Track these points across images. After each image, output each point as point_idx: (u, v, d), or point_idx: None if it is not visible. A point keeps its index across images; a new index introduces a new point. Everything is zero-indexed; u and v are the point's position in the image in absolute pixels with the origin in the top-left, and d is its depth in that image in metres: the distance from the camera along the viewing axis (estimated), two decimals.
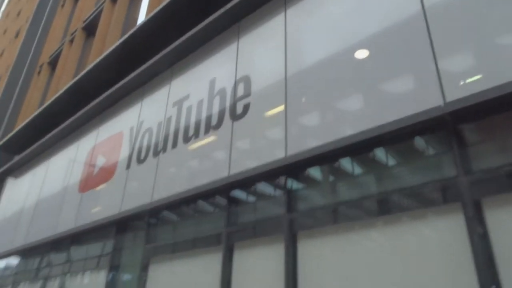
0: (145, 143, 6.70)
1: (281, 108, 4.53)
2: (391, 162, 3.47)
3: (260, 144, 4.55)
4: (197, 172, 5.26)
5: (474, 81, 2.99)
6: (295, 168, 4.16)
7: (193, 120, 5.86)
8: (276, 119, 4.50)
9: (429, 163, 3.21)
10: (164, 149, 6.15)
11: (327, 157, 3.83)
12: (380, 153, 3.57)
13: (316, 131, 3.99)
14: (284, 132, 4.31)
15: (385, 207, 3.34)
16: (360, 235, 3.45)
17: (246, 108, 5.02)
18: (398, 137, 3.42)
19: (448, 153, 3.09)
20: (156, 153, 6.30)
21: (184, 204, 5.49)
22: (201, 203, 5.29)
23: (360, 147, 3.63)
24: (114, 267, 6.29)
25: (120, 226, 6.59)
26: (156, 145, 6.38)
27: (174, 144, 5.99)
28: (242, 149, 4.74)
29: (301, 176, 4.16)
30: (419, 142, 3.33)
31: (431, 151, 3.24)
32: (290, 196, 4.10)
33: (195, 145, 5.57)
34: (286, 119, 4.37)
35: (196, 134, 5.65)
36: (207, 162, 5.18)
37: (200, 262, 4.89)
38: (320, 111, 4.06)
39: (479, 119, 3.01)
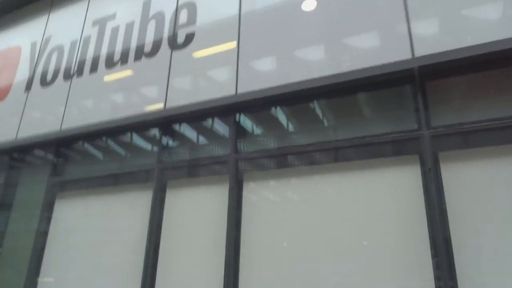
0: (52, 64, 5.64)
1: (232, 45, 4.14)
2: (354, 110, 3.45)
3: (205, 78, 4.14)
4: (124, 102, 4.62)
5: (442, 41, 3.07)
6: (245, 107, 3.89)
7: (120, 44, 5.07)
8: (225, 56, 4.11)
9: (392, 115, 3.26)
10: (80, 73, 5.25)
11: (281, 99, 3.66)
12: (344, 100, 3.51)
13: (269, 74, 3.75)
14: (233, 71, 3.97)
15: (342, 154, 3.34)
16: (311, 181, 3.41)
17: (189, 38, 4.49)
18: (362, 86, 3.39)
19: (412, 107, 3.17)
20: (67, 77, 5.36)
21: (107, 135, 4.83)
22: (128, 137, 4.71)
23: (323, 93, 3.53)
24: (6, 206, 5.35)
25: (16, 156, 5.58)
26: (69, 67, 5.42)
27: (94, 69, 5.15)
28: (182, 82, 4.27)
29: (249, 115, 3.92)
30: (385, 93, 3.34)
31: (395, 104, 3.29)
32: (236, 136, 3.86)
33: (123, 73, 4.86)
34: (238, 56, 4.02)
35: (124, 60, 4.92)
36: (137, 91, 4.57)
37: (124, 200, 4.42)
38: (275, 55, 3.81)
39: (444, 77, 3.11)
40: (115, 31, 5.22)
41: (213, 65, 4.17)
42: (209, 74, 4.16)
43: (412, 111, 3.17)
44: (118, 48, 5.05)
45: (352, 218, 3.14)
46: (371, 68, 3.22)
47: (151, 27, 4.88)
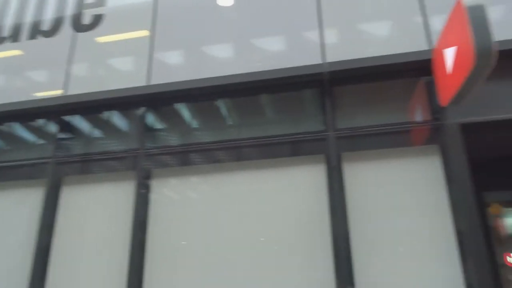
0: None
1: (145, 33, 3.91)
2: (264, 110, 3.49)
3: (111, 66, 3.83)
4: (10, 86, 4.05)
5: (350, 50, 3.28)
6: (154, 100, 3.69)
7: (9, 17, 4.45)
8: (136, 44, 3.86)
9: (300, 116, 3.37)
10: None
11: (190, 94, 3.56)
12: (254, 100, 3.53)
13: (181, 67, 3.63)
14: (143, 61, 3.75)
15: (250, 153, 3.35)
16: (218, 179, 3.37)
17: (97, 20, 4.12)
18: (272, 87, 3.45)
19: (319, 110, 3.32)
20: None
21: None
22: (17, 128, 4.13)
23: (233, 91, 3.51)
24: None
25: None
26: None
27: None
28: (84, 68, 3.89)
29: (156, 110, 3.73)
30: (293, 95, 3.44)
31: (303, 106, 3.41)
32: (143, 131, 3.64)
33: (11, 51, 4.27)
34: (151, 46, 3.80)
35: (14, 38, 4.32)
36: (29, 74, 4.04)
37: (13, 197, 3.86)
38: (189, 48, 3.70)
39: (350, 83, 3.32)
40: (4, 3, 4.57)
41: (122, 53, 3.88)
42: (116, 62, 3.86)
43: (319, 113, 3.32)
44: (9, 22, 4.42)
45: (258, 216, 3.16)
46: (283, 69, 3.30)
47: (52, 1, 4.38)
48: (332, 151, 3.11)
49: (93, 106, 3.81)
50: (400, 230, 2.94)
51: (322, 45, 3.36)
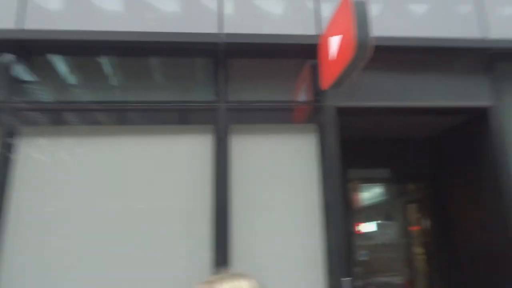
0: None
1: None
2: (155, 73, 3.33)
3: None
4: None
5: (248, 24, 3.32)
6: (26, 47, 3.20)
7: None
8: None
9: (192, 84, 3.31)
10: None
11: (71, 46, 3.20)
12: (144, 62, 3.33)
13: (62, 14, 3.22)
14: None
15: (133, 117, 3.20)
16: (97, 142, 3.14)
17: None
18: (165, 50, 3.31)
19: (213, 80, 3.31)
20: None
21: None
22: None
23: (122, 49, 3.26)
24: None
25: None
26: None
27: None
28: None
29: (32, 60, 3.25)
30: (187, 62, 3.35)
31: (197, 74, 3.35)
32: (9, 81, 3.15)
33: None
34: None
35: None
36: None
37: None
38: None
39: (245, 57, 3.37)
40: None
41: None
42: None
43: (211, 83, 3.31)
44: None
45: (140, 183, 3.07)
46: (179, 34, 3.18)
47: None
48: (221, 122, 3.16)
49: None
50: (274, 201, 3.17)
51: (220, 15, 3.33)
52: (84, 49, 3.23)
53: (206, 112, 3.23)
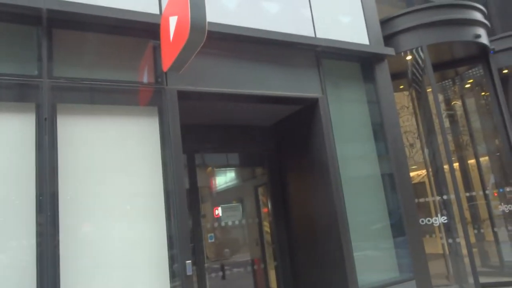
0: None
1: None
2: None
3: None
4: None
5: None
6: None
7: None
8: None
9: (12, 55, 2.83)
10: None
11: None
12: None
13: None
14: None
15: None
16: None
17: None
18: None
19: (35, 52, 2.89)
20: None
21: None
22: None
23: None
24: None
25: None
26: None
27: None
28: None
29: None
30: (6, 28, 2.84)
31: (18, 43, 2.86)
32: None
33: None
34: None
35: None
36: None
37: None
38: None
39: (74, 29, 3.02)
40: None
41: None
42: None
43: (34, 55, 2.89)
44: None
45: None
46: None
47: None
48: (45, 100, 2.79)
49: None
50: (112, 188, 2.97)
51: None
52: None
53: (27, 88, 2.81)
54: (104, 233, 2.88)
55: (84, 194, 2.86)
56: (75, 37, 3.05)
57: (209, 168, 5.39)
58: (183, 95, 3.35)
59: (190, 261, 3.06)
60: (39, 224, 2.65)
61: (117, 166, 3.03)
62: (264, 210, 5.61)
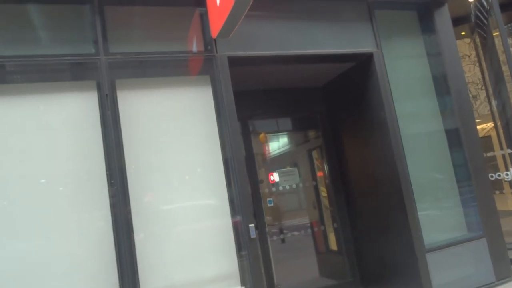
0: None
1: None
2: (22, 23, 2.87)
3: None
4: None
5: None
6: None
7: None
8: None
9: (68, 36, 2.93)
10: None
11: None
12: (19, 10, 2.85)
13: None
14: None
15: (9, 75, 2.78)
16: None
17: None
18: None
19: (91, 31, 2.98)
20: None
21: None
22: None
23: None
24: None
25: None
26: None
27: None
28: None
29: None
30: (61, 10, 2.94)
31: (72, 24, 2.96)
32: None
33: None
34: None
35: None
36: None
37: None
38: None
39: (123, 4, 3.06)
40: None
41: None
42: None
43: (90, 34, 2.98)
44: None
45: (26, 150, 2.73)
46: None
47: None
48: (104, 77, 2.89)
49: None
50: (173, 158, 3.07)
51: None
52: None
53: (87, 66, 2.92)
54: (169, 202, 3.00)
55: (147, 166, 2.98)
56: (125, 11, 3.09)
57: (263, 134, 5.39)
58: (233, 61, 3.31)
59: (253, 224, 3.13)
60: (111, 196, 2.82)
61: (176, 137, 3.11)
62: (319, 174, 5.56)
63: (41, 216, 2.68)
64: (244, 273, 3.06)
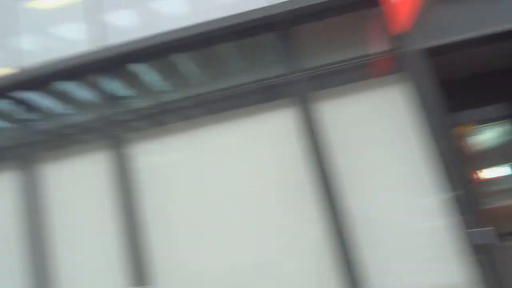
0: None
1: None
2: (222, 61, 3.39)
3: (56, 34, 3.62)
4: None
5: None
6: (110, 64, 3.53)
7: None
8: (73, 9, 3.63)
9: (262, 61, 3.30)
10: None
11: (153, 52, 3.41)
12: (218, 50, 3.43)
13: (132, 26, 3.45)
14: (83, 25, 3.54)
15: (218, 106, 3.31)
16: (193, 137, 3.34)
17: None
18: (227, 36, 3.34)
19: (279, 53, 3.25)
20: None
21: None
22: None
23: (188, 44, 3.39)
24: None
25: None
26: None
27: None
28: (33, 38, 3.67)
29: (119, 73, 3.58)
30: (250, 42, 3.34)
31: (264, 50, 3.32)
32: (109, 96, 3.52)
33: None
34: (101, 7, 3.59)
35: None
36: None
37: None
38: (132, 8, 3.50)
39: (304, 23, 3.24)
40: None
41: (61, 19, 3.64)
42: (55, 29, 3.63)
43: (281, 56, 3.24)
44: None
45: (238, 170, 3.17)
46: (239, 15, 3.16)
47: None
48: (300, 92, 3.10)
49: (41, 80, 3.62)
50: (378, 161, 3.01)
51: None
52: (157, 52, 3.42)
53: (281, 86, 3.19)
54: (380, 205, 2.94)
55: (352, 170, 3.01)
56: (307, 29, 3.26)
57: (467, 127, 4.73)
58: (427, 52, 3.02)
59: (491, 228, 2.76)
60: (322, 202, 2.98)
61: (377, 139, 3.04)
62: None
63: (262, 225, 3.04)
64: (476, 285, 2.72)
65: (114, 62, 3.50)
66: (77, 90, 3.64)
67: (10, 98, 3.78)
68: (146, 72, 3.55)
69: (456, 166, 2.86)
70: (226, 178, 3.19)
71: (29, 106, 3.74)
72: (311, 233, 2.97)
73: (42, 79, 3.59)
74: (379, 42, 3.16)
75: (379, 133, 3.05)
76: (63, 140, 3.58)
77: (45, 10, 3.75)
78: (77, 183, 3.49)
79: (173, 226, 3.21)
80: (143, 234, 3.24)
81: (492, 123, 4.81)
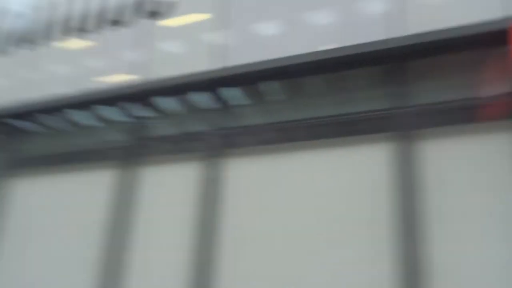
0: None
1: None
2: (334, 88, 3.55)
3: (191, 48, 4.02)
4: (99, 72, 4.41)
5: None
6: (233, 81, 3.79)
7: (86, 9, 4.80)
8: (210, 23, 4.00)
9: (369, 94, 3.40)
10: (45, 40, 4.93)
11: (275, 73, 3.64)
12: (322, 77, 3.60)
13: (265, 43, 3.69)
14: (219, 40, 3.88)
15: (319, 132, 3.43)
16: (291, 159, 3.49)
17: (170, 7, 4.35)
18: (341, 66, 3.47)
19: (387, 87, 3.34)
20: (29, 43, 5.02)
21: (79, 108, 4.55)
22: (98, 110, 4.50)
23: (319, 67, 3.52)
24: None
25: None
26: (30, 34, 5.06)
27: (60, 36, 4.86)
28: (166, 52, 4.15)
29: (233, 89, 3.89)
30: (365, 72, 3.46)
31: (372, 83, 3.43)
32: (224, 111, 3.84)
33: (91, 42, 4.63)
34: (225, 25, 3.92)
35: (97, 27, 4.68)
36: (113, 61, 4.38)
37: (88, 179, 4.24)
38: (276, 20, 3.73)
39: (423, 57, 3.27)
40: None
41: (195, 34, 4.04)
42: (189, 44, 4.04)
43: (388, 90, 3.32)
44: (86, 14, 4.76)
45: (332, 193, 3.27)
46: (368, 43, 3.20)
47: None
48: (403, 128, 3.14)
49: (172, 89, 3.99)
50: (472, 208, 2.90)
51: (388, 15, 3.28)
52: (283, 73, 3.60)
53: (387, 119, 3.24)
54: (474, 255, 2.82)
55: (450, 215, 2.94)
56: (421, 64, 3.29)
57: None
58: None
59: None
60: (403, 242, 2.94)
61: (475, 186, 2.93)
62: None
63: (332, 258, 3.09)
64: None
65: (243, 79, 3.71)
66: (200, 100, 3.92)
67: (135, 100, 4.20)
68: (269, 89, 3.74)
69: None
70: (316, 203, 3.30)
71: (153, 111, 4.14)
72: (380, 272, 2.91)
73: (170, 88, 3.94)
74: (496, 84, 3.09)
75: (481, 180, 2.93)
76: (171, 145, 3.90)
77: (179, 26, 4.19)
78: (170, 189, 3.74)
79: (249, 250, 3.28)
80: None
81: None
